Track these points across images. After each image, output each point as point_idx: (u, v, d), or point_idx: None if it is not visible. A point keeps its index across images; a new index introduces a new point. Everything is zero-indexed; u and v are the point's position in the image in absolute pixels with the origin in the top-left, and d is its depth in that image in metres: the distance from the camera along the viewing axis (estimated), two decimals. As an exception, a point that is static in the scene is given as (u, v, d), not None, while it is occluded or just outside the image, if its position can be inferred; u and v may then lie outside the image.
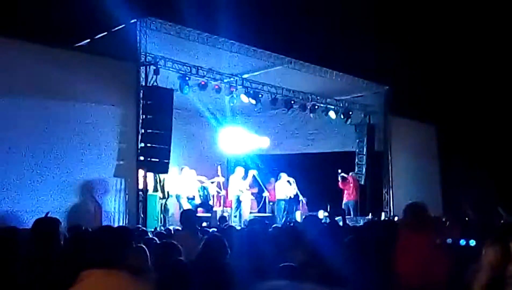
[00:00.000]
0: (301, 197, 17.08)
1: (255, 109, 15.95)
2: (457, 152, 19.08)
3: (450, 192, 18.13)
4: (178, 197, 14.93)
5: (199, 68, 14.10)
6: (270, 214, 16.63)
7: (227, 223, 12.30)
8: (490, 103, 18.59)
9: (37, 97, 10.37)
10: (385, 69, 17.20)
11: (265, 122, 18.58)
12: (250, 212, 16.12)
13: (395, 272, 4.87)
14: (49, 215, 6.16)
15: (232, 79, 15.10)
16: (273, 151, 18.96)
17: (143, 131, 11.89)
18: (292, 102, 16.44)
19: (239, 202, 15.83)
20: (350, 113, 17.61)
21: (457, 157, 18.97)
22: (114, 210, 11.27)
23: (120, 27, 12.07)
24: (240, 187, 15.91)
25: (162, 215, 13.99)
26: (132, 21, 11.89)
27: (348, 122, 17.66)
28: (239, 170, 16.19)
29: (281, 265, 4.57)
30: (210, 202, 15.97)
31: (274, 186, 17.10)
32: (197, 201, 15.40)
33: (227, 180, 16.61)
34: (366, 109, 18.06)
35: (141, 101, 11.93)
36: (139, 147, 11.79)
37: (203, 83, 14.31)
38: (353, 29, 17.90)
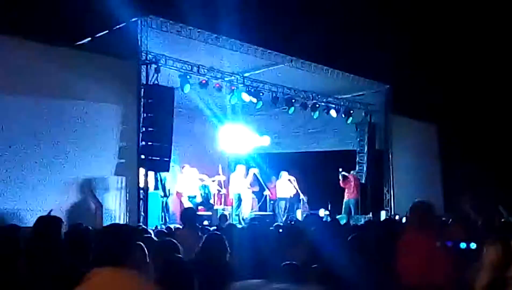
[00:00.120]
0: (301, 196, 17.08)
1: (257, 107, 15.93)
2: (458, 151, 19.06)
3: (451, 191, 18.09)
4: (178, 196, 14.96)
5: (200, 66, 14.09)
6: (271, 213, 16.65)
7: (227, 221, 12.31)
8: (491, 102, 18.57)
9: (37, 96, 10.36)
10: (386, 67, 17.18)
11: (266, 121, 18.58)
12: (251, 211, 16.14)
13: (396, 272, 4.86)
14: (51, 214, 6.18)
15: (233, 77, 15.09)
16: (274, 149, 18.98)
17: (144, 129, 11.88)
18: (293, 100, 16.43)
19: (240, 200, 15.84)
20: (351, 111, 17.58)
21: (458, 156, 18.96)
22: (115, 209, 11.27)
23: (121, 25, 12.06)
24: (241, 185, 15.92)
25: (163, 214, 14.01)
26: (133, 19, 11.88)
27: (349, 121, 17.63)
28: (240, 169, 16.20)
29: (283, 264, 4.57)
30: (211, 201, 15.99)
31: (275, 185, 17.12)
32: (198, 199, 15.42)
33: (228, 178, 16.63)
34: (367, 107, 18.04)
35: (142, 100, 11.93)
36: (140, 146, 11.78)
37: (204, 81, 14.30)
38: (354, 28, 17.89)
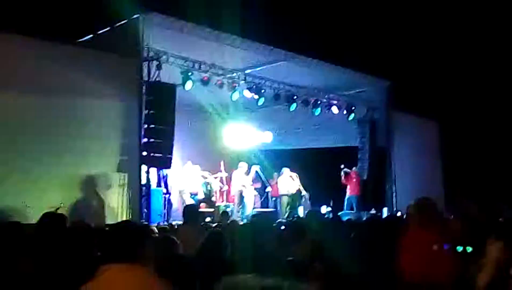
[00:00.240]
0: (303, 192, 17.09)
1: (258, 104, 15.93)
2: (459, 147, 19.07)
3: (452, 187, 18.12)
4: (181, 193, 14.97)
5: (202, 63, 14.08)
6: (273, 209, 16.65)
7: (230, 218, 12.33)
8: (493, 99, 18.57)
9: (39, 93, 10.37)
10: (388, 64, 17.19)
11: (268, 118, 18.57)
12: (253, 207, 16.15)
13: (399, 269, 4.86)
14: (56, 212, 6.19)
15: (234, 74, 15.08)
16: (275, 146, 18.98)
17: (146, 126, 11.90)
18: (295, 97, 16.42)
19: (242, 197, 15.86)
20: (353, 108, 17.56)
21: (459, 153, 18.97)
22: (117, 205, 11.29)
23: (123, 22, 12.06)
24: (243, 182, 15.93)
25: (165, 210, 14.02)
26: (135, 16, 11.87)
27: (350, 118, 17.62)
28: (242, 166, 16.21)
29: (285, 260, 4.58)
30: (213, 198, 16.00)
31: (276, 181, 17.13)
32: (200, 196, 15.44)
33: (230, 175, 16.64)
34: (368, 104, 18.02)
35: (144, 97, 11.94)
36: (142, 142, 11.80)
37: (205, 78, 14.29)
38: (355, 24, 17.88)
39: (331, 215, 14.76)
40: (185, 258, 4.61)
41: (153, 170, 13.32)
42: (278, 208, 16.67)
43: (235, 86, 15.03)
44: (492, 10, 17.48)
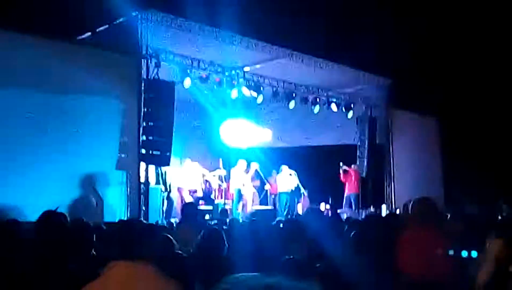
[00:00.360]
0: (302, 190, 17.10)
1: (257, 102, 15.92)
2: (459, 145, 19.06)
3: (452, 185, 18.12)
4: (179, 190, 14.96)
5: (201, 61, 14.07)
6: (271, 207, 16.65)
7: (228, 216, 12.33)
8: (493, 97, 18.55)
9: (37, 90, 10.34)
10: (387, 61, 17.16)
11: (266, 115, 18.55)
12: (252, 205, 16.15)
13: (398, 267, 4.84)
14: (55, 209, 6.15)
15: (233, 72, 15.06)
16: (274, 144, 18.96)
17: (144, 124, 11.88)
18: (294, 95, 16.41)
19: (240, 195, 15.86)
20: (352, 106, 17.56)
21: (459, 151, 18.95)
22: (116, 203, 11.28)
23: (122, 20, 12.04)
24: (242, 180, 15.92)
25: (164, 208, 14.01)
26: (134, 14, 11.85)
27: (349, 115, 17.61)
28: (241, 163, 16.21)
29: (284, 258, 4.56)
30: (212, 195, 16.00)
31: (275, 179, 17.13)
32: (199, 194, 15.43)
33: (229, 173, 16.63)
34: (367, 102, 18.01)
35: (143, 94, 11.92)
36: (140, 140, 11.78)
37: (204, 76, 14.28)
38: (355, 21, 17.85)
39: (330, 213, 14.76)
40: (183, 257, 4.60)
41: (152, 168, 13.30)
42: (277, 206, 16.66)
43: (234, 84, 15.01)
44: (491, 7, 17.46)
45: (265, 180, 17.18)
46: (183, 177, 15.43)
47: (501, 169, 17.80)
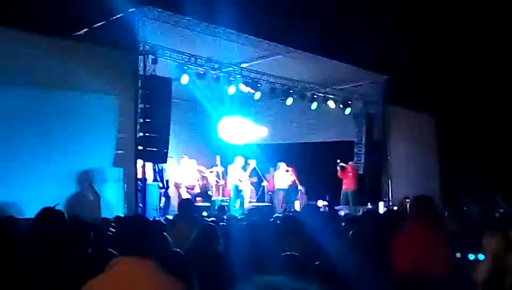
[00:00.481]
0: (299, 187, 17.11)
1: (254, 98, 15.91)
2: (456, 142, 19.05)
3: (449, 182, 18.13)
4: (177, 187, 14.96)
5: (198, 57, 14.04)
6: (269, 204, 16.65)
7: (226, 212, 12.32)
8: (490, 94, 18.55)
9: (34, 87, 10.32)
10: (385, 58, 17.14)
11: (263, 112, 18.55)
12: (249, 202, 16.15)
13: (395, 265, 4.83)
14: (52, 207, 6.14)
15: (230, 68, 15.05)
16: (271, 140, 18.95)
17: (141, 120, 11.86)
18: (291, 91, 16.40)
19: (237, 191, 15.85)
20: (349, 102, 17.56)
21: (456, 147, 18.95)
22: (113, 200, 11.27)
23: (119, 16, 12.01)
24: (239, 177, 15.92)
25: (161, 205, 14.01)
26: (131, 10, 11.82)
27: (347, 112, 17.61)
28: (238, 160, 16.20)
29: (282, 255, 4.56)
30: (209, 192, 16.00)
31: (272, 176, 17.13)
32: (197, 190, 15.43)
33: (226, 169, 16.63)
34: (365, 98, 18.01)
35: (140, 91, 11.90)
36: (137, 137, 11.76)
37: (201, 72, 14.26)
38: (352, 18, 17.83)
39: (327, 209, 14.78)
40: (183, 254, 4.60)
41: (149, 165, 13.29)
42: (274, 202, 16.67)
43: (231, 80, 15.00)
44: (489, 4, 17.45)
45: (262, 177, 17.18)
46: (181, 174, 15.42)
47: (499, 166, 17.81)
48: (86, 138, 10.86)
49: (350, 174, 17.37)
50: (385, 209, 15.58)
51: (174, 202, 14.54)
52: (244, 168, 16.35)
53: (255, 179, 17.00)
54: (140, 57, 12.21)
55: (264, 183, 17.36)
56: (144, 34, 12.09)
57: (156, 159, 12.77)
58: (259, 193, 17.50)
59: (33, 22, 11.55)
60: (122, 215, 10.23)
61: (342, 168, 17.42)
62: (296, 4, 17.72)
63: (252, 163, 16.46)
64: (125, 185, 11.48)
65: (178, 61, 13.61)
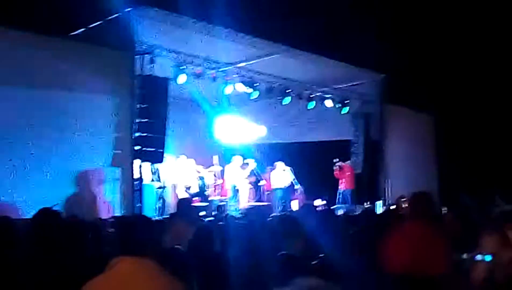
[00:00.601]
0: (297, 186, 17.10)
1: (251, 98, 15.90)
2: (454, 141, 19.08)
3: (447, 181, 18.14)
4: (174, 187, 14.94)
5: (195, 57, 14.02)
6: (267, 203, 16.65)
7: (224, 212, 12.31)
8: (488, 93, 18.56)
9: (31, 87, 10.29)
10: (382, 57, 17.14)
11: (261, 111, 18.55)
12: (247, 201, 16.15)
13: (390, 261, 4.80)
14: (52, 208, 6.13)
15: (228, 68, 15.03)
16: (269, 140, 18.95)
17: (138, 120, 11.84)
18: (288, 91, 16.39)
19: (236, 191, 15.84)
20: (347, 101, 17.55)
21: (454, 146, 18.98)
22: (110, 200, 11.25)
23: (115, 15, 11.97)
24: (237, 176, 15.91)
25: (159, 205, 13.99)
26: (127, 9, 11.78)
27: (344, 111, 17.60)
28: (236, 159, 16.19)
29: (279, 254, 4.55)
30: (207, 192, 15.99)
31: (270, 175, 17.12)
32: (194, 190, 15.42)
33: (223, 169, 16.62)
34: (362, 97, 18.00)
35: (136, 91, 11.88)
36: (134, 137, 11.74)
37: (198, 72, 14.24)
38: (349, 17, 17.83)
39: (324, 209, 14.76)
40: (184, 254, 4.59)
41: (146, 165, 13.28)
42: (272, 202, 16.66)
43: (228, 80, 14.99)
44: (485, 4, 17.46)
45: (260, 177, 17.17)
46: (178, 174, 15.40)
47: (497, 164, 17.83)
48: (83, 138, 10.83)
49: (348, 173, 17.38)
50: (383, 208, 15.60)
51: (172, 202, 14.52)
52: (242, 167, 16.33)
53: (253, 179, 16.99)
54: (137, 57, 12.18)
55: (262, 183, 17.35)
56: (141, 33, 12.06)
57: (152, 159, 12.75)
58: (257, 192, 17.50)
59: (30, 22, 11.52)
60: (120, 215, 10.22)
61: (340, 167, 17.43)
62: (293, 3, 17.72)
63: (252, 164, 16.43)
64: (123, 185, 11.46)
65: (175, 60, 13.59)
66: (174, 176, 15.35)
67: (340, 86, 17.69)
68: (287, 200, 16.82)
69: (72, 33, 12.39)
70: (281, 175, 16.79)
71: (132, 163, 11.74)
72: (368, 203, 16.56)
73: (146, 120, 11.92)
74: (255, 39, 14.16)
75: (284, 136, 19.45)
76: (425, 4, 18.15)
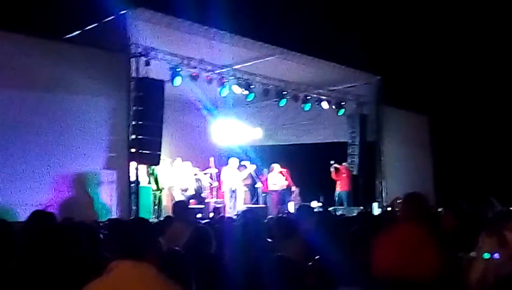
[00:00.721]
0: (293, 188, 17.09)
1: (248, 100, 15.90)
2: (449, 142, 19.11)
3: (443, 182, 18.16)
4: (170, 189, 14.92)
5: (191, 59, 14.02)
6: (263, 205, 16.64)
7: (220, 214, 12.30)
8: (482, 93, 18.60)
9: (27, 89, 10.28)
10: (377, 58, 17.17)
11: (257, 113, 18.55)
12: (244, 204, 16.12)
13: (383, 263, 4.75)
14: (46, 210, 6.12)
15: (223, 70, 15.03)
16: (265, 142, 18.95)
17: (134, 122, 11.83)
18: (284, 92, 16.39)
19: (232, 193, 15.82)
20: (343, 103, 17.57)
21: (449, 147, 19.01)
22: (106, 203, 11.23)
23: (110, 18, 11.97)
24: (233, 178, 15.88)
25: (155, 207, 13.97)
26: (122, 12, 11.78)
27: (340, 113, 17.62)
28: (233, 162, 16.17)
29: (273, 256, 4.54)
30: (203, 194, 15.97)
31: (266, 177, 17.11)
32: (190, 192, 15.40)
33: (220, 171, 16.59)
34: (358, 99, 18.02)
35: (132, 93, 11.87)
36: (130, 139, 11.73)
37: (194, 74, 14.24)
38: (344, 19, 17.86)
39: (321, 211, 14.76)
40: (183, 257, 4.57)
41: (143, 167, 13.26)
42: (268, 204, 16.64)
43: (224, 82, 14.98)
44: (481, 5, 17.50)
45: (256, 178, 17.16)
46: (174, 176, 15.37)
47: (492, 166, 17.87)
48: (79, 141, 10.82)
49: (344, 175, 17.38)
50: (380, 210, 15.60)
51: (168, 204, 14.49)
52: (239, 169, 16.31)
53: (249, 181, 16.98)
54: (133, 59, 12.18)
55: (258, 185, 17.34)
56: (136, 36, 12.05)
57: (148, 161, 12.73)
58: (253, 194, 17.49)
59: (25, 24, 11.53)
60: (115, 218, 10.19)
61: (336, 169, 17.42)
62: (289, 5, 17.73)
63: (251, 167, 16.41)
64: (119, 188, 11.44)
65: (170, 63, 13.59)
66: (171, 178, 15.32)
67: (336, 87, 17.72)
68: (284, 202, 16.81)
69: (68, 36, 12.38)
70: (278, 177, 16.78)
71: (128, 165, 11.72)
72: (365, 204, 16.57)
73: (141, 122, 11.91)
74: (251, 41, 14.17)
75: (280, 138, 19.45)
76: (419, 7, 18.19)
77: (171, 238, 6.11)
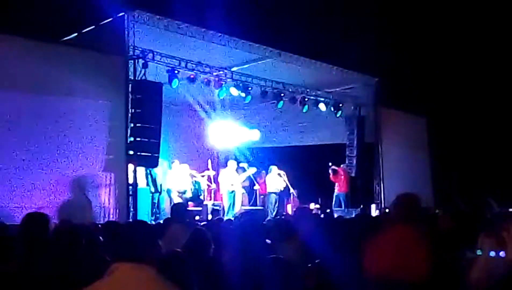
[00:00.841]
0: (291, 190, 17.10)
1: (245, 102, 15.91)
2: (447, 143, 19.12)
3: (441, 183, 18.18)
4: (169, 192, 14.90)
5: (188, 61, 14.02)
6: (261, 207, 16.63)
7: (218, 216, 12.29)
8: (480, 95, 18.62)
9: (24, 92, 10.24)
10: (375, 60, 17.19)
11: (255, 115, 18.55)
12: (242, 206, 16.11)
13: (376, 265, 4.74)
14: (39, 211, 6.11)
15: (221, 72, 15.04)
16: (263, 144, 18.95)
17: (132, 125, 11.81)
18: (282, 94, 16.40)
19: (230, 195, 15.81)
20: (340, 105, 17.59)
21: (447, 149, 19.02)
22: (104, 205, 11.20)
23: (108, 20, 11.97)
24: (231, 180, 15.88)
25: (154, 210, 13.96)
26: (120, 14, 11.78)
27: (338, 114, 17.64)
28: (231, 164, 16.16)
29: (269, 257, 4.53)
30: (201, 196, 15.96)
31: (264, 180, 17.11)
32: (188, 195, 15.39)
33: (218, 173, 16.59)
34: (356, 101, 18.03)
35: (130, 95, 11.85)
36: (128, 142, 11.71)
37: (192, 76, 14.24)
38: (342, 21, 17.88)
39: (319, 213, 14.77)
40: (183, 260, 4.56)
41: (141, 169, 13.24)
42: (267, 206, 16.64)
43: (222, 84, 14.98)
44: (479, 6, 17.52)
45: (254, 181, 17.16)
46: (172, 179, 15.36)
47: (490, 166, 17.88)
48: (76, 143, 10.79)
49: (342, 177, 17.38)
50: (377, 211, 15.61)
51: (166, 206, 14.48)
52: (237, 171, 16.31)
53: (247, 183, 16.97)
54: (130, 61, 12.16)
55: (256, 187, 17.34)
56: (134, 38, 12.04)
57: (147, 163, 12.71)
58: (251, 197, 17.49)
59: (23, 27, 11.50)
60: (114, 221, 10.18)
61: (334, 171, 17.43)
62: (287, 7, 17.75)
63: (251, 169, 16.40)
64: (117, 190, 11.42)
65: (168, 65, 13.59)
66: (169, 181, 15.31)
67: (334, 89, 17.74)
68: (282, 204, 16.81)
69: (65, 38, 12.37)
70: (276, 179, 16.78)
71: (126, 168, 11.70)
72: (363, 206, 16.57)
73: (139, 124, 11.89)
74: (249, 43, 14.18)
75: (278, 140, 19.46)
76: (417, 9, 18.20)
77: (170, 240, 6.11)
